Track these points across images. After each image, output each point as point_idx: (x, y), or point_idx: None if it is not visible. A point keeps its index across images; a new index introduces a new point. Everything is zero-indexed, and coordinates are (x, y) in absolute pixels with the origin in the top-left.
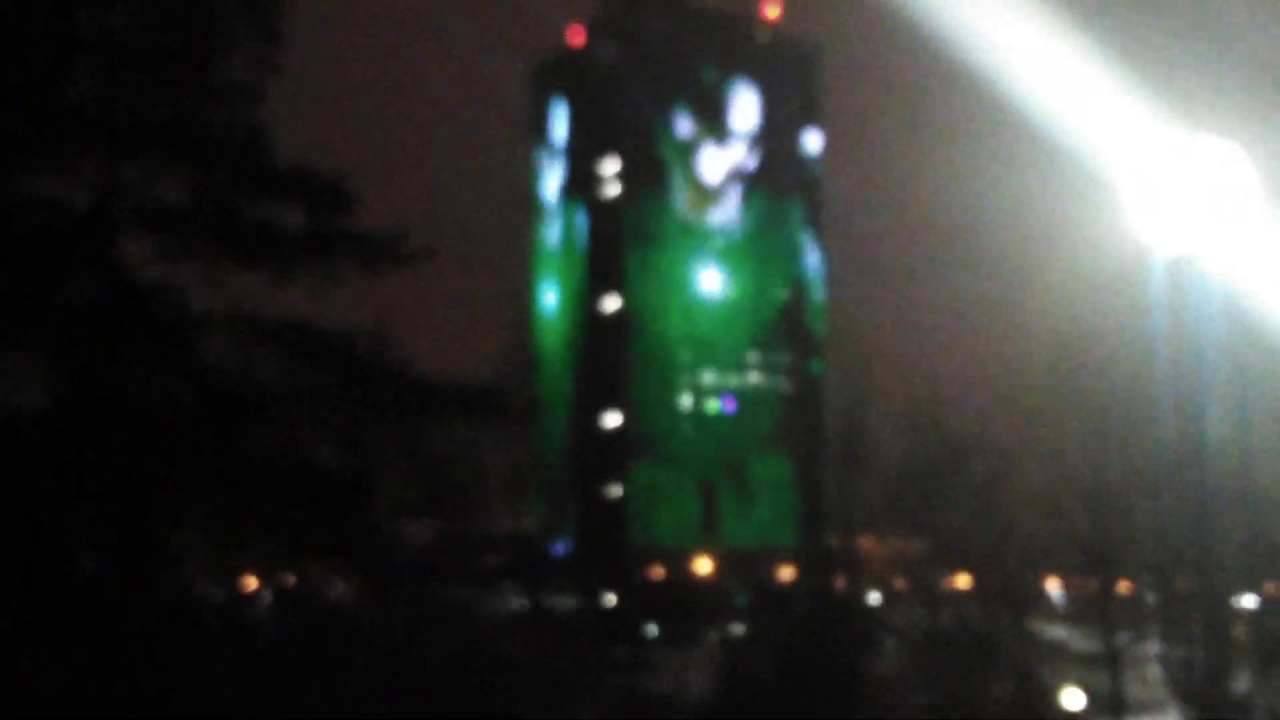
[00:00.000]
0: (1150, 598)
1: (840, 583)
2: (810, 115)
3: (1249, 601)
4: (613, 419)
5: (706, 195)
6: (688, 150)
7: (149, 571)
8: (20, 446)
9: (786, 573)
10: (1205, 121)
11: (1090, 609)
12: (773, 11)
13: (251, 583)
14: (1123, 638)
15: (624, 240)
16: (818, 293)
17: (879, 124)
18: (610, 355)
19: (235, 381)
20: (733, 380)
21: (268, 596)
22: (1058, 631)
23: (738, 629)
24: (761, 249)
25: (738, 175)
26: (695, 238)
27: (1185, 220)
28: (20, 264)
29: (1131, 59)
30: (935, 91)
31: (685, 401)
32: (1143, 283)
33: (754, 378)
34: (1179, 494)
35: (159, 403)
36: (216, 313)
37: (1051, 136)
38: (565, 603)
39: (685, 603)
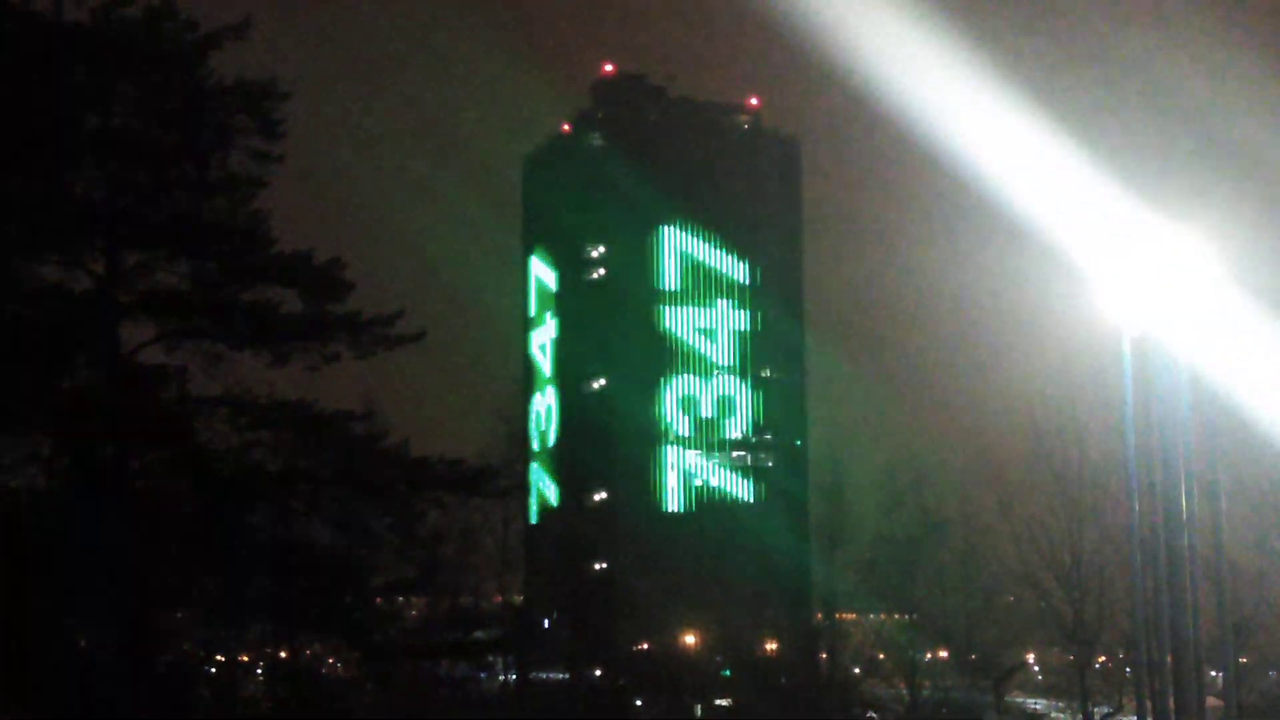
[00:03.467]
0: (1126, 670)
1: (822, 656)
2: (792, 199)
3: (1220, 673)
4: (599, 493)
5: (690, 278)
6: (672, 234)
7: (147, 647)
8: (21, 526)
9: (770, 646)
10: (1170, 206)
11: (1068, 681)
12: (755, 101)
13: (246, 658)
14: (1100, 709)
15: (610, 320)
16: (800, 371)
17: (857, 208)
18: (597, 432)
19: (232, 462)
20: (717, 456)
21: (262, 671)
22: (1036, 703)
23: (723, 702)
24: (745, 328)
25: (722, 258)
26: (680, 318)
27: (1152, 301)
28: (23, 347)
29: (1101, 145)
30: (912, 177)
31: (671, 477)
32: (1113, 361)
33: (738, 454)
34: (1151, 568)
35: (157, 483)
36: (214, 395)
37: (1023, 220)
38: (553, 676)
39: (671, 675)
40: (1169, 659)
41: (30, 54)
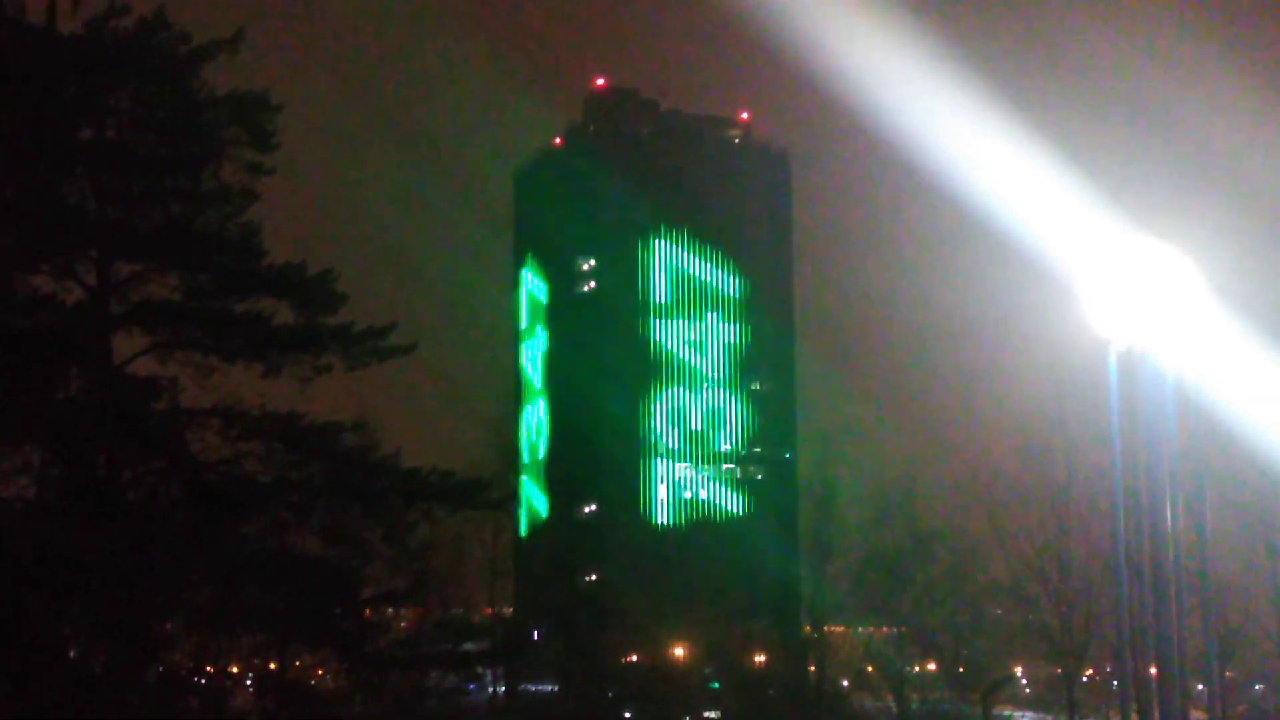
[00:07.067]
0: (1114, 683)
1: (811, 669)
2: (781, 212)
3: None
4: (589, 506)
5: (681, 291)
6: (663, 247)
7: (137, 657)
8: (13, 536)
9: (759, 658)
10: (1155, 220)
11: (1055, 694)
12: (745, 115)
13: (236, 668)
14: None
15: (601, 332)
16: (789, 384)
17: (847, 222)
18: (587, 444)
19: (223, 473)
20: (707, 469)
21: (251, 682)
22: (1024, 716)
23: (711, 714)
24: (735, 342)
25: (712, 270)
26: (670, 331)
27: (1137, 315)
28: (15, 358)
29: (1085, 159)
30: (901, 192)
31: (661, 490)
32: (1100, 375)
33: (728, 466)
34: (1137, 581)
35: (148, 493)
36: (205, 406)
37: (1009, 234)
38: (543, 688)
39: (660, 687)
40: (1154, 672)
41: (24, 65)
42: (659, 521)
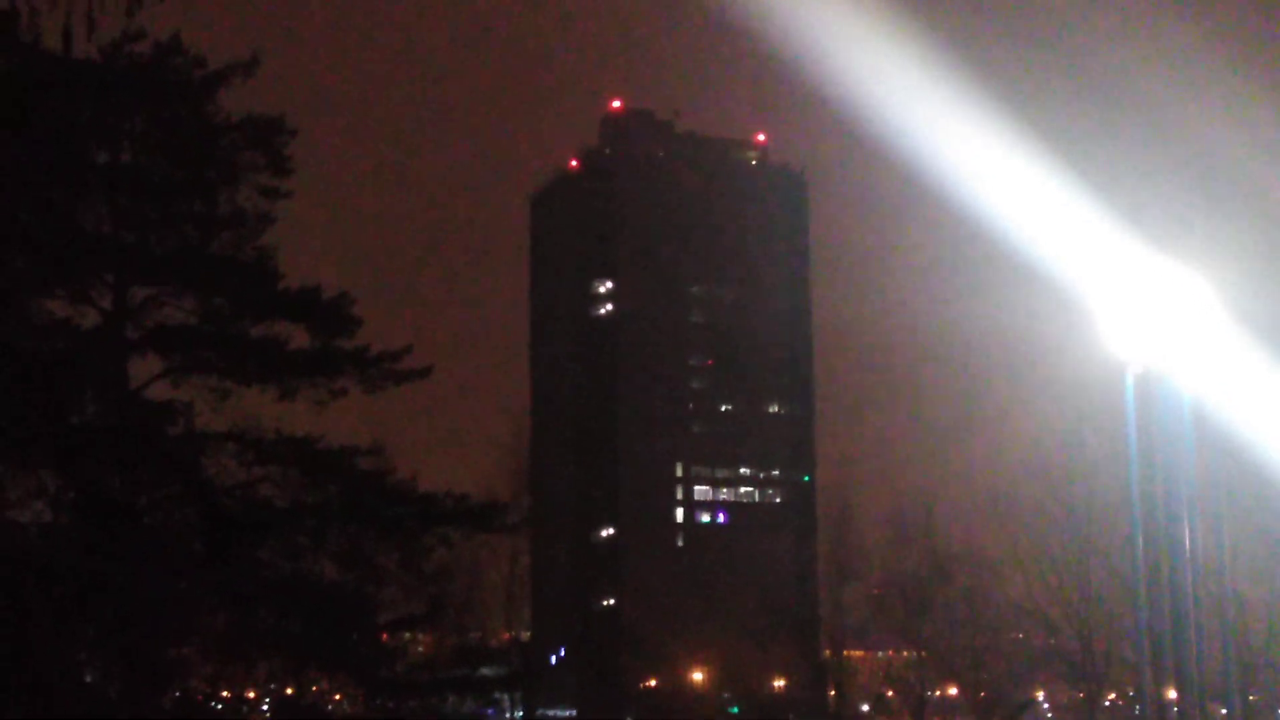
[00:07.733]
0: (1136, 708)
1: (830, 693)
2: (798, 235)
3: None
4: (607, 531)
5: (698, 312)
6: (681, 269)
7: (153, 683)
8: (28, 561)
9: (778, 683)
10: (1172, 242)
11: (1078, 718)
12: (762, 136)
13: (252, 694)
14: None
15: (618, 357)
16: (808, 406)
17: (864, 243)
18: (605, 469)
19: (239, 497)
20: (725, 492)
21: (268, 708)
22: None
23: None
24: (752, 365)
25: (729, 292)
26: (688, 353)
27: (1154, 337)
28: (31, 382)
29: (1103, 180)
30: (918, 213)
31: (678, 513)
32: (1118, 396)
33: (746, 489)
34: (1157, 602)
35: (164, 518)
36: (221, 430)
37: (1027, 255)
38: (561, 713)
39: (679, 712)
40: (1174, 696)
41: (40, 89)
42: (677, 545)
